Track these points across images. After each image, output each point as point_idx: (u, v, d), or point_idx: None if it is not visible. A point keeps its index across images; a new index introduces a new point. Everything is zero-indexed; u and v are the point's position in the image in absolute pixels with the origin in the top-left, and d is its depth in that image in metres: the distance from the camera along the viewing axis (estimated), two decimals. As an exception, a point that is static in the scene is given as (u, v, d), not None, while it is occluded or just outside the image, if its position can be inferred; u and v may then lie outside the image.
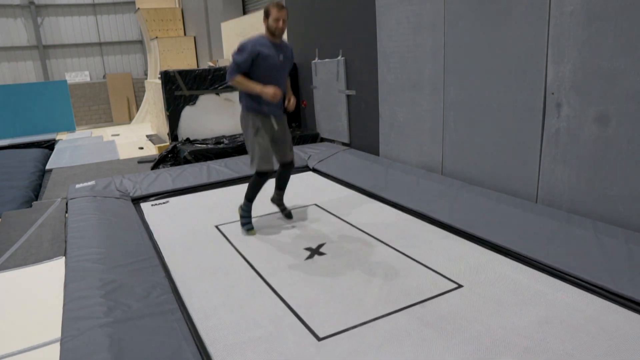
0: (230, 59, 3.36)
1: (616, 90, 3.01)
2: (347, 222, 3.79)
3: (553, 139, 3.47)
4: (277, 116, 3.52)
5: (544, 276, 2.75)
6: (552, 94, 3.42)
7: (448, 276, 2.80)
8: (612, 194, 3.14)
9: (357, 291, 2.70)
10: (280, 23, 3.24)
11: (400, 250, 3.20)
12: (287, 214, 3.90)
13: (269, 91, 3.21)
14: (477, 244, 3.23)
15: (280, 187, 3.86)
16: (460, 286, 2.68)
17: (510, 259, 3.00)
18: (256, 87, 3.27)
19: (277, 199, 3.93)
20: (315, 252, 3.24)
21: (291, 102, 3.53)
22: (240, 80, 3.31)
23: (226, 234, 3.68)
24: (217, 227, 3.86)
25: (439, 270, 2.89)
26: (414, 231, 3.55)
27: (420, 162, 4.88)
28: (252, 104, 3.40)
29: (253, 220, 3.77)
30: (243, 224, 3.68)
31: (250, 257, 3.22)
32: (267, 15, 3.26)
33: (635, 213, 3.01)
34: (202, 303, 2.67)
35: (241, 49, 3.27)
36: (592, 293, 2.54)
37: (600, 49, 3.06)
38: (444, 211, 3.73)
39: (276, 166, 3.75)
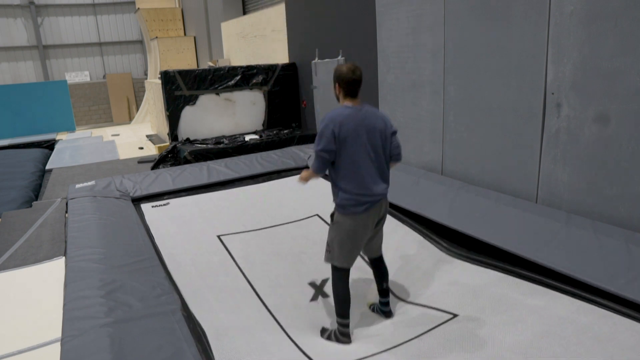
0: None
1: (616, 90, 3.00)
2: None
3: (553, 139, 3.46)
4: (378, 203, 2.60)
5: (540, 288, 2.72)
6: (552, 94, 3.42)
7: (443, 308, 2.77)
8: (612, 194, 3.14)
9: (357, 328, 2.70)
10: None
11: (399, 284, 3.14)
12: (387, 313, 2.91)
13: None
14: (472, 263, 3.18)
15: (382, 289, 2.86)
16: (455, 315, 2.65)
17: (505, 273, 2.96)
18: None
19: (381, 306, 2.89)
20: (319, 291, 3.16)
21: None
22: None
23: (228, 247, 3.60)
24: (219, 237, 3.78)
25: (434, 304, 2.85)
26: (412, 253, 3.48)
27: (420, 162, 4.88)
28: (350, 203, 2.53)
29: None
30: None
31: (254, 282, 3.16)
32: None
33: (635, 213, 3.01)
34: (207, 312, 2.67)
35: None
36: (589, 302, 2.52)
37: (600, 48, 3.05)
38: (444, 212, 3.72)
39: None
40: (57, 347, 2.21)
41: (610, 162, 3.11)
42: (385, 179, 2.64)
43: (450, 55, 4.28)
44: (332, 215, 2.68)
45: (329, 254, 2.68)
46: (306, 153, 5.91)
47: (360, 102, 2.63)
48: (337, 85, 2.62)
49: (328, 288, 3.17)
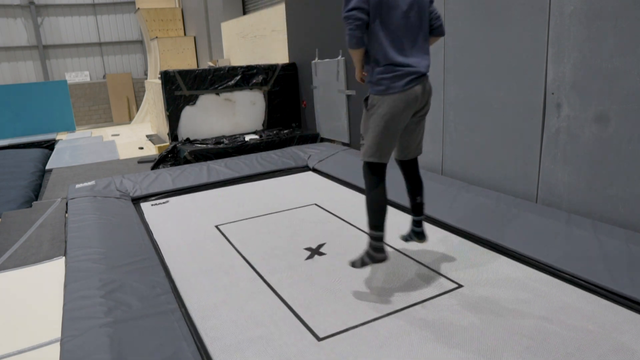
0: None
1: (616, 90, 3.01)
2: (347, 222, 3.79)
3: (553, 139, 3.47)
4: (423, 79, 2.37)
5: (544, 276, 2.75)
6: (552, 94, 3.42)
7: (448, 276, 2.80)
8: (612, 194, 3.14)
9: (357, 291, 2.70)
10: None
11: (400, 250, 3.20)
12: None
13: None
14: (477, 244, 3.23)
15: (416, 203, 2.61)
16: (460, 286, 2.68)
17: (511, 258, 3.00)
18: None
19: (413, 225, 2.67)
20: (315, 252, 3.24)
21: None
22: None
23: (226, 234, 3.68)
24: (217, 227, 3.86)
25: (439, 270, 2.89)
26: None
27: (420, 162, 4.87)
28: (387, 77, 2.23)
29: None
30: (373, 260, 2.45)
31: (250, 257, 3.22)
32: None
33: (635, 213, 3.01)
34: (202, 302, 2.67)
35: None
36: (592, 293, 2.54)
37: (600, 48, 3.06)
38: (444, 211, 3.73)
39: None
40: (57, 347, 2.21)
41: (610, 162, 3.11)
42: (426, 52, 2.31)
43: (450, 55, 4.28)
44: (365, 100, 2.32)
45: (363, 148, 2.33)
46: (306, 153, 5.92)
47: None
48: None
49: (324, 249, 3.25)
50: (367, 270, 2.93)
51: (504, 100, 3.81)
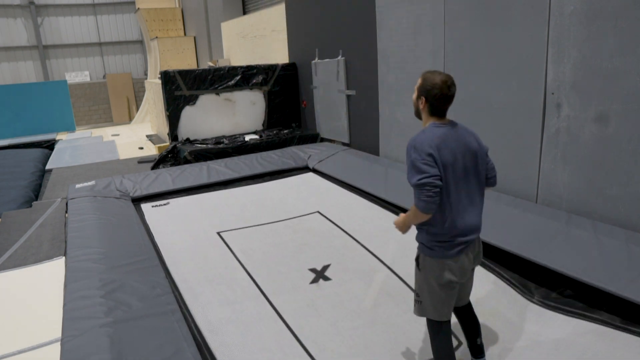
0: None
1: (616, 90, 3.00)
2: (351, 236, 3.68)
3: (553, 139, 3.46)
4: (473, 244, 2.19)
5: (535, 308, 2.68)
6: (552, 94, 3.42)
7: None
8: (612, 194, 3.14)
9: (363, 334, 2.56)
10: None
11: (404, 279, 3.03)
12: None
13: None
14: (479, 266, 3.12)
15: (477, 345, 2.35)
16: (460, 344, 2.51)
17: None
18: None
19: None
20: (320, 275, 3.14)
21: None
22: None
23: (228, 243, 3.63)
24: (219, 234, 3.80)
25: None
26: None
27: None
28: (439, 245, 2.10)
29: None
30: None
31: (253, 272, 3.16)
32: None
33: (635, 213, 3.01)
34: (203, 307, 2.67)
35: None
36: (583, 319, 2.50)
37: (601, 48, 3.05)
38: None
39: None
40: (57, 347, 2.21)
41: (610, 162, 3.11)
42: (479, 211, 2.18)
43: (450, 55, 4.28)
44: (417, 259, 2.21)
45: (420, 305, 2.21)
46: (306, 153, 5.92)
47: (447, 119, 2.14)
48: (423, 99, 2.09)
49: (329, 272, 3.17)
50: (373, 308, 2.75)
51: (504, 101, 3.81)
